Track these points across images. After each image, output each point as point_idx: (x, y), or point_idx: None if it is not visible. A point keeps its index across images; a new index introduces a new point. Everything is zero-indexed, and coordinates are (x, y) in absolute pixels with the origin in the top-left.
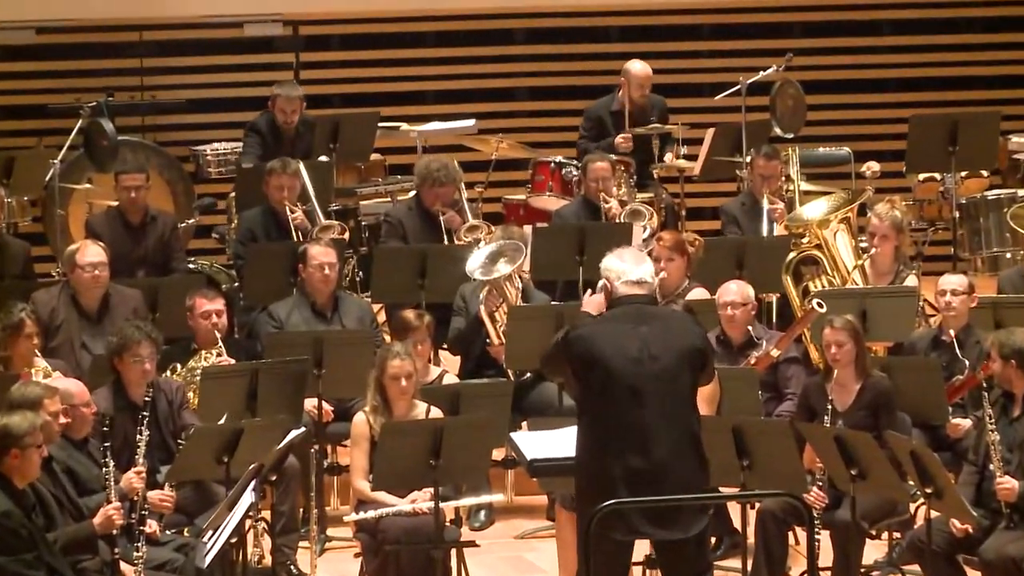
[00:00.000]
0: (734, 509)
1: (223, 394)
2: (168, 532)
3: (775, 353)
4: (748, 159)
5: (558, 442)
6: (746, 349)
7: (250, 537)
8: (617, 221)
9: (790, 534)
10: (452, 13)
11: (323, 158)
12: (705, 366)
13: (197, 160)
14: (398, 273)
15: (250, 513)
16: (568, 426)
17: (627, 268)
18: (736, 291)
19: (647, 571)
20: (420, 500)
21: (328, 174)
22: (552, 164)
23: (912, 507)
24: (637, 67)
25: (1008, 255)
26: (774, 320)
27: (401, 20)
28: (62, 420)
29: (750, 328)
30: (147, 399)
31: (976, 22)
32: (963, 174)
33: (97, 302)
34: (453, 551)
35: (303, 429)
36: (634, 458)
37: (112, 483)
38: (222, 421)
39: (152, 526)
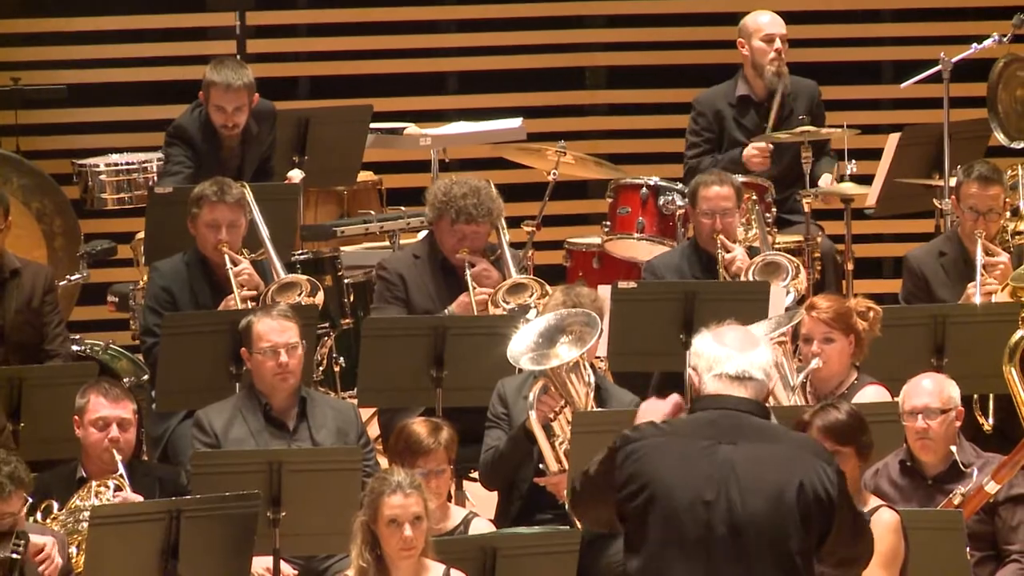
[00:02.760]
0: None
1: (126, 548)
2: None
3: (992, 489)
4: (952, 183)
5: None
6: (946, 481)
7: None
8: (744, 278)
9: None
10: None
11: (294, 176)
12: (831, 528)
13: (85, 181)
14: (400, 359)
15: None
16: None
17: (724, 355)
18: (932, 391)
19: None
20: None
21: (292, 204)
22: (643, 189)
23: None
24: (763, 19)
25: None
26: (989, 436)
27: None
28: None
29: (953, 449)
30: (14, 555)
31: None
32: None
33: None
34: None
35: None
36: None
37: None
38: None
39: None
